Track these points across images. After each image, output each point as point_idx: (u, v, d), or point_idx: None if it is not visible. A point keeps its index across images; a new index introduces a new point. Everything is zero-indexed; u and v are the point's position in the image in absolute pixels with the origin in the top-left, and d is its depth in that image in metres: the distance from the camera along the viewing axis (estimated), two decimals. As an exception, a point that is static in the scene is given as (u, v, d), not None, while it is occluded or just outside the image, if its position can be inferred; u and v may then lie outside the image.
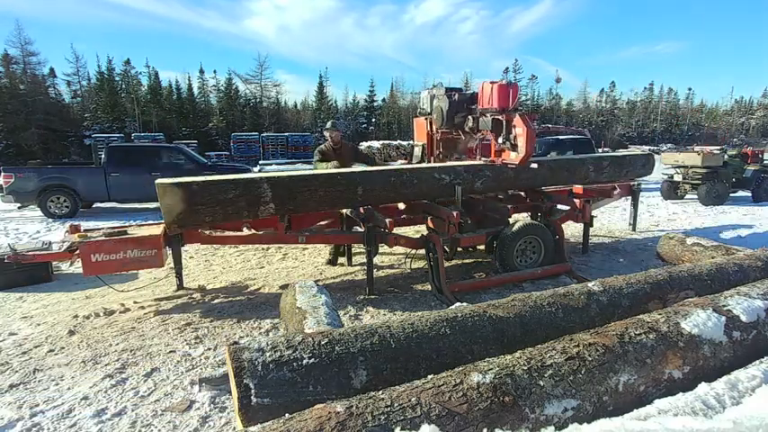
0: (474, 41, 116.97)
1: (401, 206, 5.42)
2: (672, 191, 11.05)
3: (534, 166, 5.00)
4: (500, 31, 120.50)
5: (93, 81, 36.82)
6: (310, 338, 1.93)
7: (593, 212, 6.04)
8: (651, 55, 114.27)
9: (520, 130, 4.73)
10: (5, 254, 4.46)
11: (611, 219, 8.50)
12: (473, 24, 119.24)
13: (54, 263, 5.13)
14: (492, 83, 4.93)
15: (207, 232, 4.44)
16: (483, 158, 5.41)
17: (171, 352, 3.27)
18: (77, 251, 4.01)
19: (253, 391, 1.69)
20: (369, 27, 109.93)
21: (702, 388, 1.82)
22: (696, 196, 10.42)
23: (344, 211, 5.10)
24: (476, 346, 2.13)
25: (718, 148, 13.10)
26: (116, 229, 4.39)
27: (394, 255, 5.93)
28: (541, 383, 1.72)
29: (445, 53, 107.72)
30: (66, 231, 4.43)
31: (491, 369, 1.75)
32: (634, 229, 7.31)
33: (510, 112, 4.84)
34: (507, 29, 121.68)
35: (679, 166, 11.00)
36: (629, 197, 7.12)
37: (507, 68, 49.84)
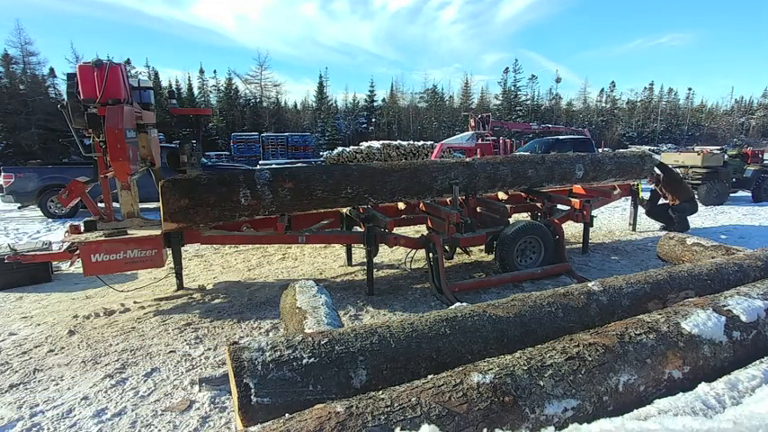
0: (460, 32, 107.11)
1: (401, 206, 5.42)
2: (672, 191, 11.03)
3: (135, 177, 3.95)
4: (487, 19, 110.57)
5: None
6: (310, 338, 1.93)
7: (593, 212, 6.04)
8: (656, 48, 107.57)
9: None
10: (6, 254, 4.46)
11: (611, 219, 8.50)
12: (455, 11, 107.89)
13: (54, 263, 5.13)
14: (81, 64, 3.89)
15: (207, 232, 4.44)
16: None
17: (171, 352, 3.28)
18: (77, 251, 4.01)
19: (253, 390, 1.69)
20: (337, 14, 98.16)
21: (702, 388, 1.82)
22: (696, 196, 10.42)
23: (344, 210, 5.10)
24: (476, 346, 2.13)
25: (718, 148, 13.09)
26: (116, 230, 4.39)
27: (394, 255, 5.93)
28: (541, 383, 1.72)
29: (430, 46, 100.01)
30: (67, 232, 4.43)
31: (491, 369, 1.75)
32: (634, 229, 7.32)
33: (99, 104, 3.78)
34: (495, 17, 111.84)
35: (679, 166, 10.99)
36: (629, 197, 7.14)
37: (507, 69, 49.69)
